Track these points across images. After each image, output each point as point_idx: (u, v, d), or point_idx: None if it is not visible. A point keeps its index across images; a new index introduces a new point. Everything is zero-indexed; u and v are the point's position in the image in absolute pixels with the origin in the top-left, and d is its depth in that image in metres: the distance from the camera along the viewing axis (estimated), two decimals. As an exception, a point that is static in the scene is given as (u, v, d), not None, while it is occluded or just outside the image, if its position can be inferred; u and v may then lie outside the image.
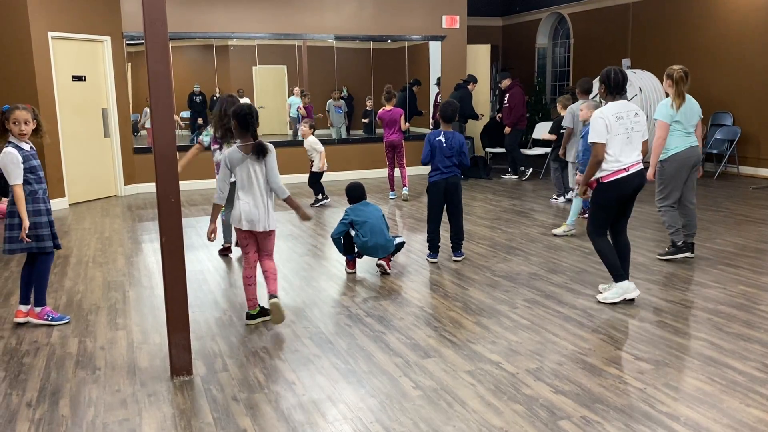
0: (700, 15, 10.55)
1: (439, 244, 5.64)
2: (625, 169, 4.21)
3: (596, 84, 5.19)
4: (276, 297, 4.10)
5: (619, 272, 4.38)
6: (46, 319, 4.27)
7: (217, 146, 5.54)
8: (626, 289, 4.39)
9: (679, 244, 5.44)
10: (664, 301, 4.50)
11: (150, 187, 9.54)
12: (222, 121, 5.29)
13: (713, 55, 10.41)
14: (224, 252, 5.98)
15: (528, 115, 12.51)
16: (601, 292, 4.58)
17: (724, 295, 4.59)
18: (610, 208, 4.33)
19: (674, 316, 4.20)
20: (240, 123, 3.91)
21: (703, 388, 3.20)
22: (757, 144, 9.97)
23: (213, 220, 4.06)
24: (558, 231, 6.49)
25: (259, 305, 4.25)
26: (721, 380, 3.29)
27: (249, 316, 4.22)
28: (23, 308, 4.26)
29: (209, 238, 4.04)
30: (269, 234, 4.10)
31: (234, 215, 4.06)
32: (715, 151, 10.17)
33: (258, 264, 4.22)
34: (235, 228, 4.11)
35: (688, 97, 5.24)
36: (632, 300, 4.42)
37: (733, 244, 5.97)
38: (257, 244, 4.15)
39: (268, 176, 3.98)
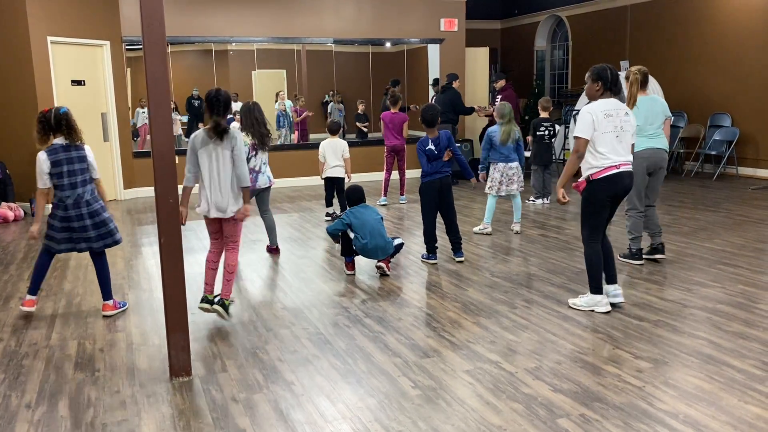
0: (698, 16, 10.57)
1: (437, 245, 5.64)
2: (616, 166, 4.11)
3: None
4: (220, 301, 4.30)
5: (599, 285, 4.29)
6: (119, 308, 4.55)
7: (253, 153, 5.69)
8: (598, 302, 4.29)
9: (634, 250, 5.37)
10: (663, 300, 4.51)
11: (149, 192, 9.56)
12: (255, 128, 5.57)
13: (711, 57, 10.43)
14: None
15: (527, 117, 12.55)
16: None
17: (724, 294, 4.59)
18: (603, 207, 4.20)
19: (673, 315, 4.20)
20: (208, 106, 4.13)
21: (701, 386, 3.20)
22: (755, 145, 9.98)
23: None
24: (476, 228, 6.73)
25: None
26: (720, 378, 3.29)
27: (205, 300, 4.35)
28: (32, 297, 4.50)
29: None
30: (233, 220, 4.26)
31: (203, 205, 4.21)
32: (713, 152, 10.18)
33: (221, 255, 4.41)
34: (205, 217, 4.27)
35: (651, 98, 5.20)
36: (606, 312, 4.29)
37: (732, 244, 5.97)
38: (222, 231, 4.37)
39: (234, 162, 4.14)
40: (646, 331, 3.95)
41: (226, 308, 4.29)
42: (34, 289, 4.47)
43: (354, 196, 5.38)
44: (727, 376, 3.30)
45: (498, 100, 10.30)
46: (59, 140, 4.23)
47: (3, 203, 8.06)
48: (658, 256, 5.44)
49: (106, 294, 4.50)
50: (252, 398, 3.20)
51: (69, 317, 4.45)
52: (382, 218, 5.33)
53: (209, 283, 4.33)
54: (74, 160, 4.23)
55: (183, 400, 3.20)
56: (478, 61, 12.09)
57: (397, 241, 5.39)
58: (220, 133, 4.05)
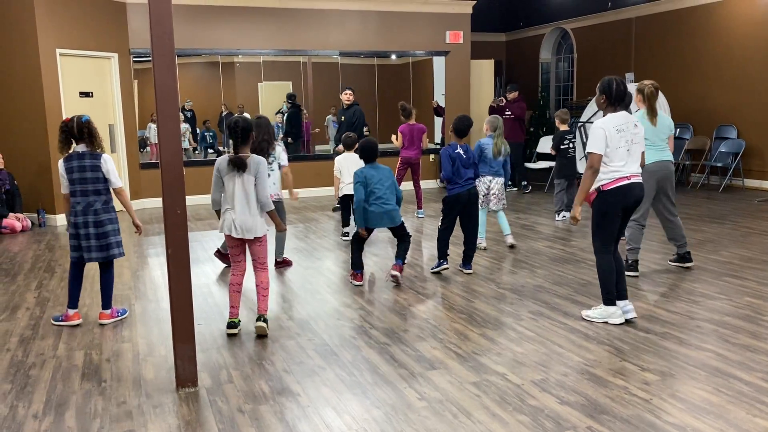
0: (703, 29, 10.60)
1: (449, 252, 5.64)
2: (626, 177, 4.14)
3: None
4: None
5: (611, 297, 4.28)
6: (118, 317, 4.62)
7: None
8: (611, 314, 4.29)
9: (630, 262, 5.36)
10: (670, 312, 4.49)
11: (156, 203, 9.60)
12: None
13: (717, 69, 10.45)
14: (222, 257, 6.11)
15: (532, 129, 12.59)
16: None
17: (730, 307, 4.58)
18: (614, 218, 4.21)
19: (680, 328, 4.19)
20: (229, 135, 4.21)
21: (709, 399, 3.19)
22: (761, 157, 9.97)
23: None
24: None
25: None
26: (728, 391, 3.27)
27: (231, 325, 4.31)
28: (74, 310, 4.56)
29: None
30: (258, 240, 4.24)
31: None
32: (719, 164, 10.17)
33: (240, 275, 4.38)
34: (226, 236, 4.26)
35: (659, 112, 5.27)
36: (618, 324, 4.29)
37: (738, 256, 5.95)
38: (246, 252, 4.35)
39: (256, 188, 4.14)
40: (653, 343, 3.94)
41: (267, 323, 4.25)
42: (72, 302, 4.52)
43: (367, 153, 5.23)
44: (735, 389, 3.29)
45: (507, 111, 10.34)
46: (80, 147, 4.32)
47: (11, 214, 8.10)
48: (687, 264, 5.56)
49: (105, 303, 4.55)
50: (258, 409, 3.20)
51: (76, 327, 4.47)
52: (393, 176, 5.30)
53: (235, 306, 4.30)
54: (87, 168, 4.29)
55: (189, 411, 3.21)
56: (483, 73, 12.15)
57: (402, 219, 5.36)
58: (238, 165, 4.06)
